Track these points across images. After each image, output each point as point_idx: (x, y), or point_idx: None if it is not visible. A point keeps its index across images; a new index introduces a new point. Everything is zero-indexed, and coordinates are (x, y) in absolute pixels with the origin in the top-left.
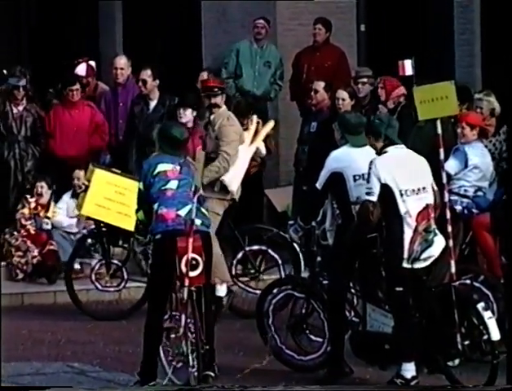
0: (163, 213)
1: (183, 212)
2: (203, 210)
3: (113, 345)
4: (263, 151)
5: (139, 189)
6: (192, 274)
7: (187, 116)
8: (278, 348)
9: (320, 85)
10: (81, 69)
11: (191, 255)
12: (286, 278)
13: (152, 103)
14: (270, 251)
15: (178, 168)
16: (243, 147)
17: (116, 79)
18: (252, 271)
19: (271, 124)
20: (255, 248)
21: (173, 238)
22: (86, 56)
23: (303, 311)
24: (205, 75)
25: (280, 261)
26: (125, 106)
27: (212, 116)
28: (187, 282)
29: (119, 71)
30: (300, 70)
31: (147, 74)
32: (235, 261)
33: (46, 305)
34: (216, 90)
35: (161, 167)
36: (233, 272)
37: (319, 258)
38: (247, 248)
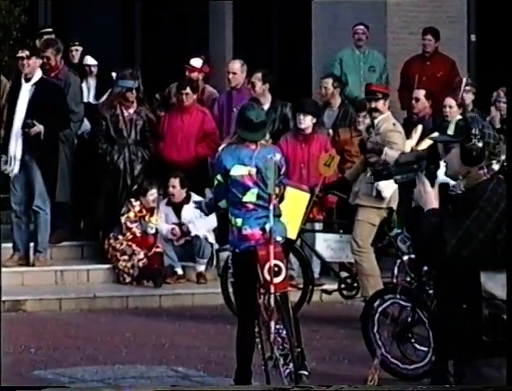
0: (248, 233)
1: (265, 229)
2: (280, 219)
3: (218, 350)
4: None
5: (220, 181)
6: (277, 280)
7: (307, 122)
8: (383, 356)
9: (420, 94)
10: (196, 61)
11: (273, 262)
12: (393, 287)
13: (264, 108)
14: None
15: (254, 170)
16: None
17: (229, 83)
18: (408, 279)
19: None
20: (413, 256)
21: (254, 250)
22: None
23: (409, 320)
24: None
25: None
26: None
27: (376, 121)
28: (272, 289)
29: (232, 75)
30: (410, 79)
31: (257, 77)
32: (396, 270)
33: (151, 309)
34: (378, 94)
35: (236, 170)
36: (394, 281)
37: (425, 268)
38: (404, 257)
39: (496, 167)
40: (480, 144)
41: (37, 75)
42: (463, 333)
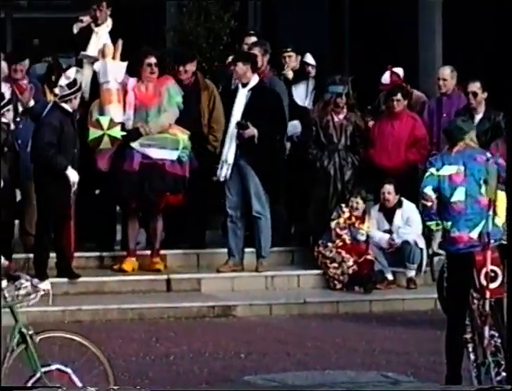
0: (455, 236)
1: (475, 233)
2: (496, 222)
3: (428, 355)
4: None
5: (431, 173)
6: (493, 285)
7: None
8: None
9: None
10: (384, 78)
11: (490, 267)
12: None
13: (478, 117)
14: None
15: (462, 168)
16: None
17: (439, 89)
18: None
19: None
20: None
21: (467, 254)
22: (391, 65)
23: None
24: None
25: None
26: (448, 117)
27: None
28: (488, 294)
29: (442, 81)
30: None
31: (476, 86)
32: None
33: (362, 314)
34: None
35: (445, 170)
36: None
37: None
38: None
39: None
40: None
41: (254, 80)
42: None
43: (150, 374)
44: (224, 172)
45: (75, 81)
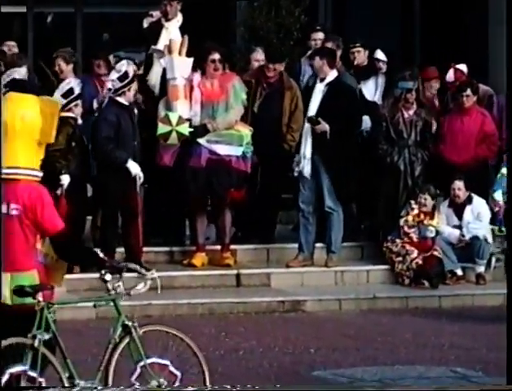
0: None
1: None
2: None
3: (497, 351)
4: None
5: (502, 174)
6: None
7: None
8: None
9: None
10: (449, 76)
11: None
12: None
13: None
14: None
15: None
16: None
17: None
18: None
19: None
20: None
21: None
22: (453, 62)
23: None
24: None
25: None
26: None
27: None
28: None
29: None
30: None
31: None
32: None
33: (431, 309)
34: None
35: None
36: None
37: None
38: None
39: None
40: None
41: (332, 75)
42: None
43: (219, 369)
44: (303, 167)
45: (126, 73)
